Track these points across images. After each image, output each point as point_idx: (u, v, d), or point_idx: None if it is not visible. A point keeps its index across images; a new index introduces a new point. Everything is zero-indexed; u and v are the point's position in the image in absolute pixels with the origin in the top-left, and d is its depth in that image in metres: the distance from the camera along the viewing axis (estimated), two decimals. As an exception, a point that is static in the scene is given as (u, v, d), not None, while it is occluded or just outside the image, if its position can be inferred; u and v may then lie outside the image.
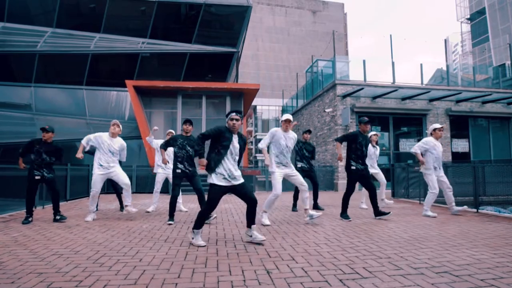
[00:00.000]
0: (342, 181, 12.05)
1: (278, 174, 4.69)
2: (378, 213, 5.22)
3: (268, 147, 4.83)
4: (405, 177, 8.41)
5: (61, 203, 7.46)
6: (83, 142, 5.11)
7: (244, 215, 5.75)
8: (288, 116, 4.78)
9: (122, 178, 5.22)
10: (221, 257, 3.08)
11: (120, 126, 5.31)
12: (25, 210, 5.04)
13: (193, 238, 3.52)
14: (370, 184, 5.20)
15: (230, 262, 2.90)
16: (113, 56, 14.11)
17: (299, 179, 4.76)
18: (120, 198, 6.36)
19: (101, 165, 5.09)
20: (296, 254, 3.15)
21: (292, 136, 4.83)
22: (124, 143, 5.36)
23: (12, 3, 13.60)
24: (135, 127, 12.64)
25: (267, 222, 4.74)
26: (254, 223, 3.61)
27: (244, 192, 3.56)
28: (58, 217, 5.08)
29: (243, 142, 3.60)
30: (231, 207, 6.89)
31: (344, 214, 5.22)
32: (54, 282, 2.43)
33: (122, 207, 6.30)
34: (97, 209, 6.23)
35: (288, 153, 4.77)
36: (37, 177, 5.00)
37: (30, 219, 4.98)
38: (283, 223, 4.96)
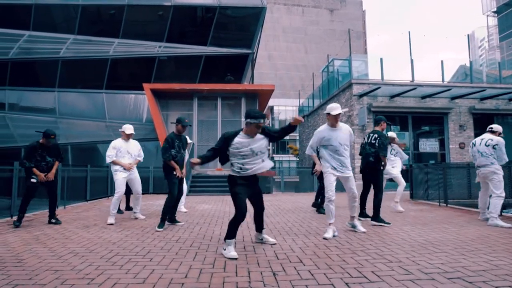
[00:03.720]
0: (357, 182, 11.83)
1: (331, 175, 4.07)
2: (362, 214, 5.31)
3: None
4: (423, 178, 8.16)
5: (81, 203, 7.83)
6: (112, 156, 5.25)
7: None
8: (336, 108, 4.02)
9: (138, 186, 5.46)
10: (230, 258, 3.12)
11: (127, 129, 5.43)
12: (18, 213, 4.79)
13: (224, 250, 3.19)
14: (367, 183, 5.22)
15: (238, 263, 2.92)
16: (131, 61, 14.56)
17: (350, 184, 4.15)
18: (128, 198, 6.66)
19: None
20: (304, 257, 3.13)
21: (344, 131, 4.11)
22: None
23: (37, 12, 14.31)
24: (153, 129, 12.97)
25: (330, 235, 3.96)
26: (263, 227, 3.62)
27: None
28: (53, 221, 5.02)
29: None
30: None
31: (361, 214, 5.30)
32: (68, 279, 2.54)
33: (128, 207, 6.56)
34: (122, 212, 6.23)
35: (344, 153, 4.06)
36: (33, 180, 4.81)
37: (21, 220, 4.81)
38: (295, 225, 4.94)
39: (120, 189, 5.22)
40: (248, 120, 3.23)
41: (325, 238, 3.89)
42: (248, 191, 3.36)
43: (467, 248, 3.43)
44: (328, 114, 4.07)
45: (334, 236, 3.95)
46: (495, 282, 2.41)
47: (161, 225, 4.54)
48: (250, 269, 2.77)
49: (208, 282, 2.47)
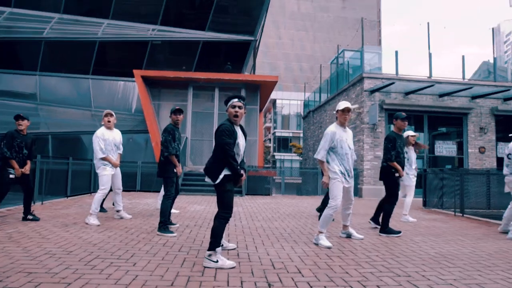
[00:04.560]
0: (367, 186, 11.83)
1: (340, 184, 4.07)
2: (375, 219, 5.31)
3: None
4: (438, 184, 8.14)
5: (61, 199, 7.81)
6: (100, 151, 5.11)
7: (253, 220, 5.77)
8: (347, 104, 4.11)
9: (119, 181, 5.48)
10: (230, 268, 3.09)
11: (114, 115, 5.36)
12: None
13: (217, 261, 3.00)
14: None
15: (230, 272, 2.91)
16: (122, 44, 14.46)
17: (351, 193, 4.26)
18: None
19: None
20: (303, 267, 3.12)
21: (351, 135, 4.30)
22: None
23: (20, -13, 14.20)
24: (142, 120, 12.91)
25: (327, 243, 3.95)
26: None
27: None
28: (30, 217, 5.03)
29: (245, 134, 3.35)
30: (239, 211, 6.92)
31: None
32: (42, 283, 2.52)
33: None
34: (106, 211, 6.22)
35: (351, 159, 4.17)
36: (11, 176, 4.80)
37: None
38: (294, 231, 4.93)
39: (107, 185, 5.18)
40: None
41: (329, 247, 3.87)
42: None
43: (484, 263, 3.41)
44: (337, 111, 4.13)
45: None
46: (513, 302, 2.39)
47: (165, 230, 4.36)
48: (243, 278, 2.75)
49: (196, 291, 2.45)
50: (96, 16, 14.47)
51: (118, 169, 5.43)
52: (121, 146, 5.45)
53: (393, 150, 4.78)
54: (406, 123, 5.02)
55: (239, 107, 3.14)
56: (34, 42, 13.86)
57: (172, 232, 4.37)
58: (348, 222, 4.44)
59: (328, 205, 4.07)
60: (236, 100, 3.14)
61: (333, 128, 4.13)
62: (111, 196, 5.81)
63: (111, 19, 14.39)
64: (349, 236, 4.44)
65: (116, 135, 5.35)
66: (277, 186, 13.50)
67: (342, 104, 4.10)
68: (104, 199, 6.15)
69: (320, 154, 4.10)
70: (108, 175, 5.17)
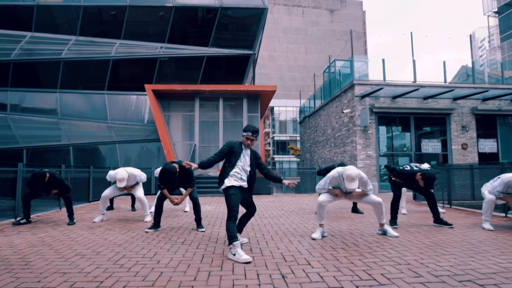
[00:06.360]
0: (361, 183, 11.82)
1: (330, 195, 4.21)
2: (438, 220, 4.87)
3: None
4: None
5: (84, 205, 7.81)
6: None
7: (260, 218, 5.77)
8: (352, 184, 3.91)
9: (138, 193, 5.62)
10: (244, 263, 3.09)
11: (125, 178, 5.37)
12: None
13: (234, 255, 3.09)
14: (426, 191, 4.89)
15: (246, 266, 2.91)
16: (133, 62, 14.54)
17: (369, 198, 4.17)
18: (133, 199, 6.82)
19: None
20: (312, 259, 3.12)
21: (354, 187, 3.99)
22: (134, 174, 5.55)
23: (39, 13, 14.31)
24: (154, 130, 12.95)
25: (316, 235, 4.08)
26: (241, 232, 3.80)
27: (250, 201, 3.63)
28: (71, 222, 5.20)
29: (254, 157, 3.55)
30: (248, 210, 6.92)
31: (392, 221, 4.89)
32: (77, 282, 2.53)
33: (133, 207, 6.83)
34: (112, 208, 6.67)
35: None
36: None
37: (22, 220, 5.13)
38: (300, 226, 4.94)
39: (106, 191, 5.57)
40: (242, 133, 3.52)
41: (313, 239, 3.98)
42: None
43: (475, 250, 3.42)
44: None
45: (323, 236, 4.10)
46: (507, 285, 2.40)
47: (151, 227, 4.70)
48: (258, 271, 2.76)
49: (218, 285, 2.46)
50: (109, 37, 14.56)
51: (136, 187, 5.68)
52: (139, 178, 5.66)
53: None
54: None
55: (251, 140, 3.48)
56: (53, 62, 13.94)
57: (152, 228, 4.63)
58: (382, 221, 4.22)
59: (318, 200, 4.23)
60: (250, 134, 3.45)
61: (336, 175, 4.07)
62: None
63: (122, 39, 14.48)
64: (384, 232, 4.23)
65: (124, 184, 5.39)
66: (278, 185, 13.49)
67: (347, 178, 3.89)
68: (111, 202, 6.87)
69: (319, 190, 4.25)
70: (112, 185, 5.68)
